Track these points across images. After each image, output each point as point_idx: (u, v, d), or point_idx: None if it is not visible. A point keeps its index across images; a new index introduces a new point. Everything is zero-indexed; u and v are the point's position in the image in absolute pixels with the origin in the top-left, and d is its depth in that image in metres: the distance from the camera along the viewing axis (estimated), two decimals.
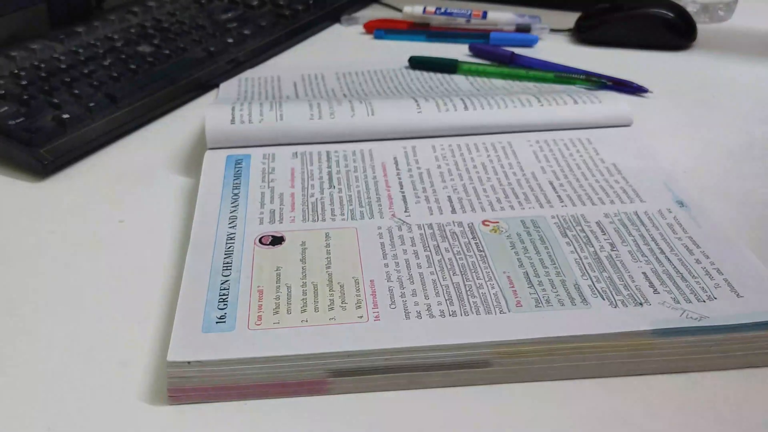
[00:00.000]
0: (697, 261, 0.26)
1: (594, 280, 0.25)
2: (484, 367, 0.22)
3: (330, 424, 0.21)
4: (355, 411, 0.22)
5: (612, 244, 0.27)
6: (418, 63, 0.43)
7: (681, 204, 0.29)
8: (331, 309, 0.23)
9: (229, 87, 0.41)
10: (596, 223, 0.28)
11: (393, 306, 0.24)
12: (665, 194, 0.30)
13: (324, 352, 0.22)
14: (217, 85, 0.42)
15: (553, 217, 0.28)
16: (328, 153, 0.33)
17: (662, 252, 0.26)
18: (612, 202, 0.29)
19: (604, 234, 0.27)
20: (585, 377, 0.22)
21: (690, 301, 0.24)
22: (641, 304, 0.23)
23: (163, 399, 0.22)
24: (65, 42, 0.42)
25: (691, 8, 0.49)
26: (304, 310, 0.23)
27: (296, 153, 0.33)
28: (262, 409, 0.22)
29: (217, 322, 0.23)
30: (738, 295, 0.24)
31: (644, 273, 0.25)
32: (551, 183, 0.31)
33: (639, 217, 0.28)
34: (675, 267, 0.25)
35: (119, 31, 0.44)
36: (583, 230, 0.27)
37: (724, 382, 0.22)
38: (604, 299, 0.24)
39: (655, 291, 0.24)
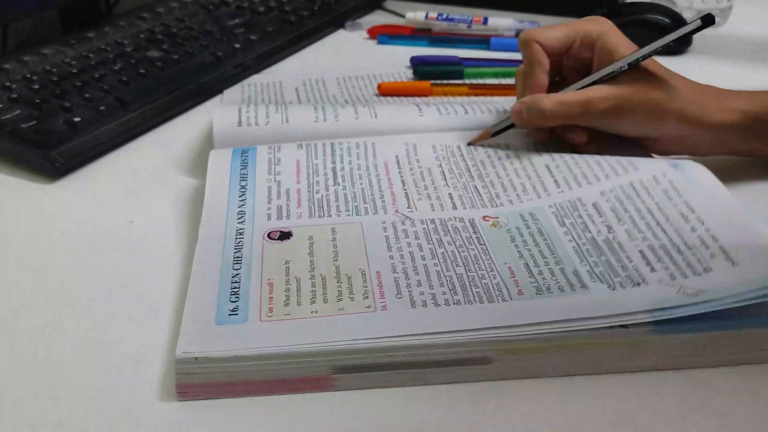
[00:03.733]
0: (693, 229, 0.26)
1: (592, 265, 0.25)
2: (484, 363, 0.23)
3: (334, 420, 0.22)
4: (359, 407, 0.22)
5: (609, 227, 0.27)
6: (423, 75, 0.43)
7: (676, 166, 0.29)
8: (340, 300, 0.24)
9: (232, 93, 0.41)
10: (593, 204, 0.28)
11: (399, 296, 0.24)
12: (660, 160, 0.30)
13: (332, 348, 0.22)
14: (222, 90, 0.42)
15: (550, 206, 0.29)
16: (332, 145, 0.33)
17: (658, 224, 0.27)
18: (607, 177, 0.30)
19: (601, 216, 0.28)
20: (583, 374, 0.23)
21: (686, 276, 0.24)
22: (639, 284, 0.24)
23: (173, 395, 0.22)
24: (76, 47, 0.43)
25: (686, 14, 0.49)
26: (314, 302, 0.24)
27: (301, 144, 0.33)
28: (269, 406, 0.22)
29: (229, 315, 0.23)
30: (733, 263, 0.24)
31: (641, 251, 0.25)
32: (547, 166, 0.31)
33: (634, 188, 0.29)
34: (671, 239, 0.26)
35: (129, 37, 0.45)
36: (580, 215, 0.28)
37: (719, 379, 0.23)
38: (602, 282, 0.24)
39: (652, 269, 0.25)
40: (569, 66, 0.33)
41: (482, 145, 0.34)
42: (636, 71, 0.31)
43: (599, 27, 0.32)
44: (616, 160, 0.31)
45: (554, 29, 0.32)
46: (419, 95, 0.41)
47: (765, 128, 0.31)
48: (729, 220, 0.26)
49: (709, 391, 0.22)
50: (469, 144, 0.34)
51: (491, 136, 0.34)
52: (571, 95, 0.31)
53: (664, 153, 0.33)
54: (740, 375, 0.23)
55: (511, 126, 0.33)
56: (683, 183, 0.28)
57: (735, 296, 0.23)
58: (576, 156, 0.31)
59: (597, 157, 0.31)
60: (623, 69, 0.31)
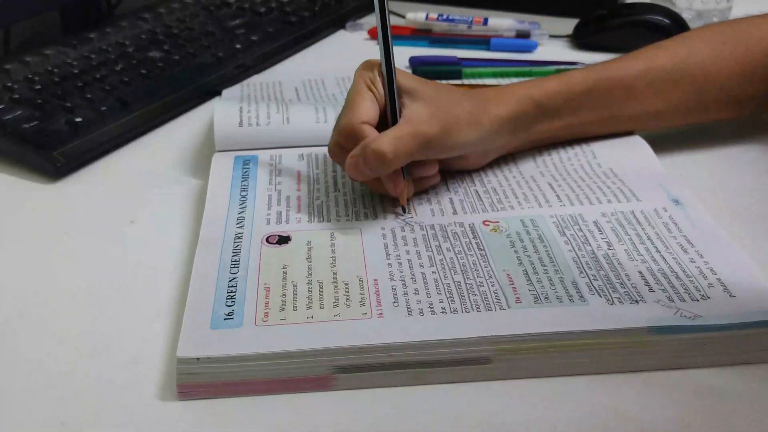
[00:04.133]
0: (692, 260, 0.26)
1: (591, 278, 0.25)
2: (484, 363, 0.23)
3: (335, 419, 0.22)
4: (360, 406, 0.22)
5: (609, 243, 0.27)
6: (422, 75, 0.43)
7: (676, 202, 0.29)
8: (336, 306, 0.24)
9: (232, 93, 0.41)
10: (593, 222, 0.29)
11: (396, 304, 0.24)
12: (661, 194, 0.30)
13: (329, 348, 0.22)
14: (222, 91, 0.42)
15: (551, 216, 0.29)
16: None
17: (657, 251, 0.27)
18: (609, 201, 0.30)
19: (601, 233, 0.28)
20: (582, 373, 0.23)
21: (684, 300, 0.24)
22: (637, 301, 0.24)
23: (173, 395, 0.22)
24: (78, 47, 0.43)
25: (686, 15, 0.50)
26: (310, 307, 0.24)
27: (302, 155, 0.34)
28: (270, 405, 0.22)
29: (225, 319, 0.24)
30: (730, 295, 0.24)
31: (640, 272, 0.26)
32: (550, 184, 0.31)
33: (635, 216, 0.29)
34: (670, 266, 0.26)
35: (130, 37, 0.45)
36: (580, 229, 0.28)
37: (718, 379, 0.23)
38: (601, 296, 0.24)
39: (651, 289, 0.25)
40: None
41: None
42: (420, 90, 0.29)
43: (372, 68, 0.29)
44: (618, 188, 0.31)
45: (365, 104, 0.28)
46: None
47: (518, 124, 0.31)
48: (728, 259, 0.26)
49: (708, 391, 0.23)
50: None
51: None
52: (399, 129, 0.28)
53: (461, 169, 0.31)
54: (739, 375, 0.23)
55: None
56: (683, 220, 0.28)
57: (732, 324, 0.23)
58: (578, 180, 0.32)
59: (599, 183, 0.31)
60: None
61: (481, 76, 0.44)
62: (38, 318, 0.26)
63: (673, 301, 0.24)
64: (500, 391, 0.23)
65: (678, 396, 0.22)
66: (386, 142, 0.27)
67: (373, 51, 0.50)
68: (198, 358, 0.22)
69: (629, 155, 0.34)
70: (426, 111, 0.28)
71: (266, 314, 0.24)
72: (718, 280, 0.25)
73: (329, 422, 0.22)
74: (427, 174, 0.30)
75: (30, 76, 0.40)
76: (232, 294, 0.25)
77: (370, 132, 0.28)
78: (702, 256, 0.26)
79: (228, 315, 0.24)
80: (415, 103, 0.29)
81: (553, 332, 0.23)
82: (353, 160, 0.28)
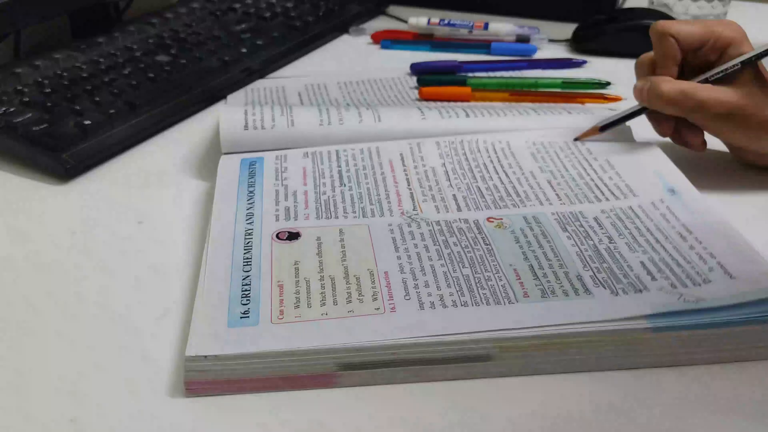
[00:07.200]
0: (691, 247, 0.27)
1: (595, 270, 0.26)
2: (484, 360, 0.23)
3: (337, 416, 0.22)
4: (362, 403, 0.23)
5: (610, 237, 0.28)
6: (426, 83, 0.43)
7: (672, 192, 0.30)
8: (349, 302, 0.24)
9: (236, 98, 0.42)
10: (594, 218, 0.29)
11: (408, 297, 0.25)
12: (657, 184, 0.31)
13: (340, 346, 0.22)
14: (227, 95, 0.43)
15: (553, 213, 0.30)
16: (337, 152, 0.34)
17: (657, 241, 0.27)
18: (607, 199, 0.31)
19: (602, 228, 0.29)
20: (582, 371, 0.23)
21: (686, 285, 0.25)
22: (641, 290, 0.25)
23: (181, 392, 0.23)
24: (87, 52, 0.44)
25: (682, 20, 0.50)
26: (324, 304, 0.24)
27: (307, 153, 0.34)
28: (276, 402, 0.23)
29: (241, 317, 0.24)
30: (731, 276, 0.25)
31: (641, 262, 0.26)
32: (549, 182, 0.32)
33: (633, 211, 0.30)
34: (670, 254, 0.27)
35: (138, 42, 0.46)
36: (581, 225, 0.29)
37: (716, 376, 0.23)
38: (605, 288, 0.25)
39: (653, 278, 0.25)
40: (692, 65, 0.33)
41: (484, 148, 0.34)
42: (753, 80, 0.31)
43: (732, 33, 0.32)
44: (615, 183, 0.31)
45: (690, 26, 0.32)
46: (460, 100, 0.41)
47: None
48: (727, 242, 0.26)
49: (706, 388, 0.23)
50: (575, 140, 0.34)
51: (599, 131, 0.34)
52: (691, 87, 0.31)
53: (747, 161, 0.33)
54: (736, 372, 0.24)
55: (617, 123, 0.34)
56: (680, 209, 0.29)
57: (734, 305, 0.23)
58: (577, 178, 0.32)
59: (597, 181, 0.32)
60: (736, 68, 0.31)
61: (485, 86, 0.43)
62: (48, 316, 0.26)
63: (675, 287, 0.25)
64: (499, 388, 0.23)
65: (676, 393, 0.23)
66: (671, 88, 0.31)
67: (375, 55, 0.51)
68: (206, 356, 0.22)
69: (624, 144, 0.34)
70: (729, 90, 0.30)
71: (281, 312, 0.24)
72: (718, 263, 0.26)
73: (331, 419, 0.22)
74: (690, 140, 0.33)
75: (40, 80, 0.40)
76: (246, 292, 0.25)
77: (670, 48, 0.31)
78: (701, 242, 0.27)
79: (244, 313, 0.24)
80: (731, 84, 0.31)
81: (563, 324, 0.23)
82: (641, 83, 0.32)
